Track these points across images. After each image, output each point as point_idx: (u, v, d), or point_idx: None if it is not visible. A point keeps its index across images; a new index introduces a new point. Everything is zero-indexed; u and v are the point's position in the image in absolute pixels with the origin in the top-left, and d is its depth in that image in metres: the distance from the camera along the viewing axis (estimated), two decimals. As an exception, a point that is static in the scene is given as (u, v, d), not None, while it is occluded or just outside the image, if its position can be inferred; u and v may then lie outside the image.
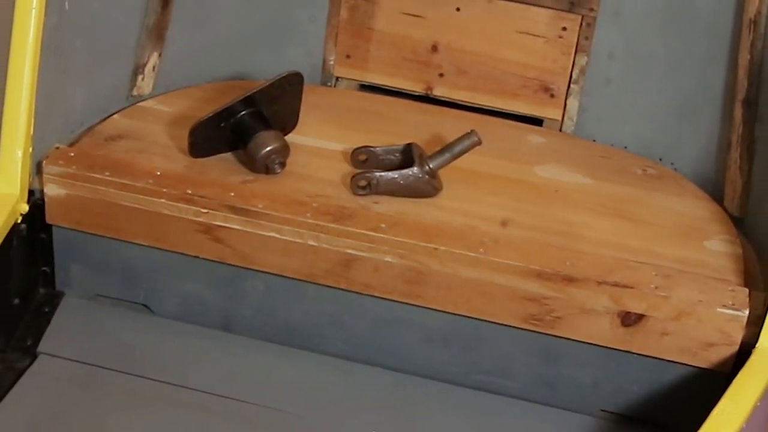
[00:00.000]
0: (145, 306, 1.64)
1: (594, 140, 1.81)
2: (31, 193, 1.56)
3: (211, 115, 1.61)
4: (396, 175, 1.59)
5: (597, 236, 1.56)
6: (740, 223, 1.66)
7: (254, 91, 1.62)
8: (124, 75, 1.77)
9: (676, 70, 1.76)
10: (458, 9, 1.84)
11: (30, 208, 1.56)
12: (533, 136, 1.69)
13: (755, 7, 1.65)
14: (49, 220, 1.60)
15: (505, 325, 1.51)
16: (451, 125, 1.76)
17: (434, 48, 1.87)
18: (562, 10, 1.80)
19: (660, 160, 1.79)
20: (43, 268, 1.64)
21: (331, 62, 1.91)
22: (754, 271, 1.54)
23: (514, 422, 1.53)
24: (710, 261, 1.54)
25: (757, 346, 1.41)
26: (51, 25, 1.54)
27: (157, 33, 1.77)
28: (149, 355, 1.57)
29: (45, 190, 1.57)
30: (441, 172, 1.62)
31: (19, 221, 1.54)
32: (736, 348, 1.45)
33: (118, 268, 1.62)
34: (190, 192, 1.54)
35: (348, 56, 1.90)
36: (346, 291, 1.54)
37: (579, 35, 1.80)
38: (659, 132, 1.79)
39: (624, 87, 1.81)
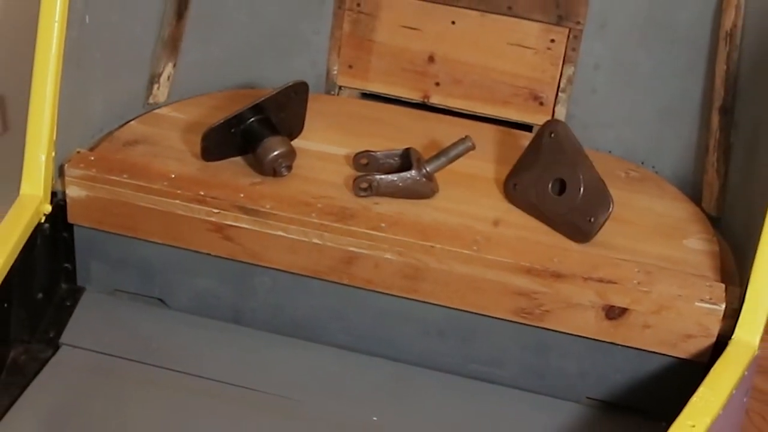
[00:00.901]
0: (161, 300, 1.64)
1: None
2: (53, 194, 1.56)
3: (222, 121, 1.61)
4: (395, 178, 1.59)
5: (583, 235, 1.56)
6: (717, 223, 1.66)
7: (262, 99, 1.62)
8: (141, 84, 1.77)
9: (657, 80, 1.76)
10: (453, 22, 1.84)
11: (53, 208, 1.56)
12: (524, 142, 1.69)
13: (731, 21, 1.65)
14: (70, 219, 1.60)
15: (497, 318, 1.51)
16: (447, 131, 1.76)
17: (431, 59, 1.87)
18: (551, 24, 1.80)
19: (642, 163, 1.79)
20: (65, 265, 1.64)
21: (335, 72, 1.91)
22: (730, 267, 1.54)
23: (506, 409, 1.53)
24: (689, 258, 1.54)
25: (732, 337, 1.41)
26: (72, 38, 1.54)
27: (172, 45, 1.77)
28: (164, 346, 1.57)
29: (67, 192, 1.57)
30: (437, 175, 1.62)
31: (42, 221, 1.55)
32: (713, 340, 1.45)
33: (136, 265, 1.62)
34: (202, 193, 1.54)
35: (350, 66, 1.90)
36: (349, 286, 1.54)
37: (566, 47, 1.80)
38: (641, 137, 1.79)
39: (608, 95, 1.81)
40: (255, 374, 1.53)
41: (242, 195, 1.54)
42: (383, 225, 1.52)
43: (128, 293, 1.65)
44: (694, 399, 1.29)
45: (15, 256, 1.44)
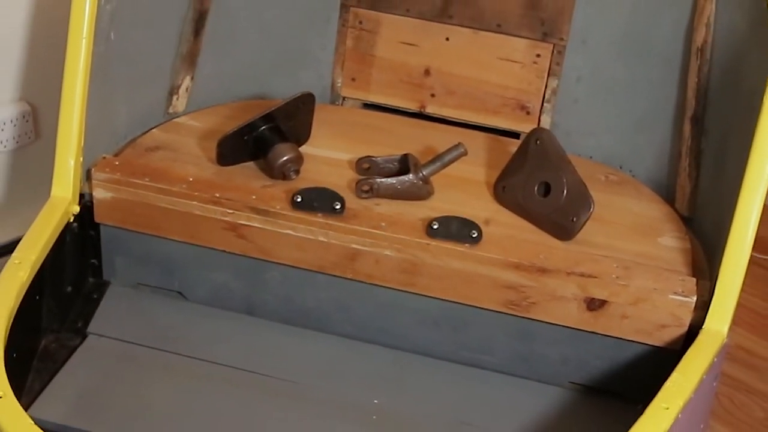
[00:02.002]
0: (180, 293, 1.64)
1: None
2: (81, 196, 1.56)
3: (235, 129, 1.61)
4: (394, 181, 1.59)
5: (566, 233, 1.56)
6: (689, 222, 1.66)
7: (273, 109, 1.63)
8: (161, 95, 1.77)
9: (634, 92, 1.76)
10: (447, 39, 1.84)
11: (81, 209, 1.56)
12: (512, 148, 1.69)
13: (702, 38, 1.65)
14: (97, 219, 1.60)
15: (487, 310, 1.51)
16: (441, 138, 1.76)
17: (427, 72, 1.87)
18: (537, 40, 1.80)
19: (620, 168, 1.79)
20: (92, 261, 1.64)
21: (339, 84, 1.91)
22: (700, 263, 1.54)
23: (495, 392, 1.53)
24: (663, 255, 1.54)
25: (703, 327, 1.41)
26: (98, 53, 1.54)
27: (190, 59, 1.77)
28: (182, 335, 1.57)
29: (93, 194, 1.57)
30: (433, 179, 1.62)
31: (71, 220, 1.55)
32: (685, 329, 1.45)
33: (157, 261, 1.62)
34: (218, 195, 1.54)
35: (353, 79, 1.91)
36: (352, 280, 1.54)
37: (551, 61, 1.80)
38: (620, 144, 1.79)
39: (589, 105, 1.81)
40: (266, 361, 1.53)
41: (254, 197, 1.55)
42: (383, 224, 1.52)
43: (150, 287, 1.65)
44: (668, 383, 1.29)
45: (46, 252, 1.44)
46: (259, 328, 1.60)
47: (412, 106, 1.89)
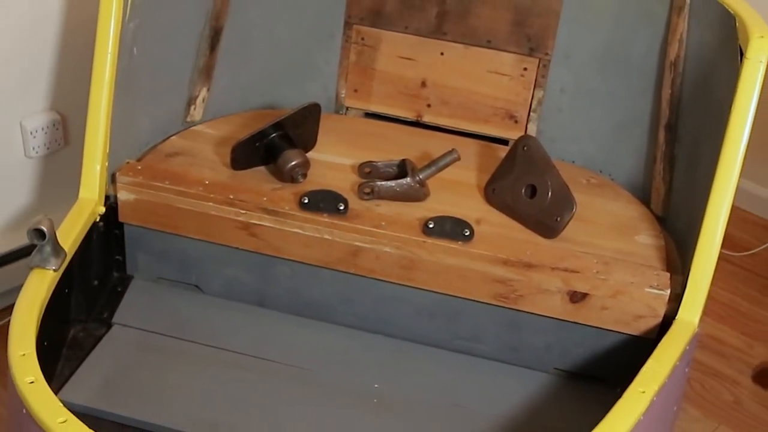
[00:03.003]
0: (197, 287, 1.64)
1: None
2: (107, 198, 1.56)
3: (248, 136, 1.61)
4: (393, 184, 1.59)
5: (551, 232, 1.56)
6: (663, 222, 1.66)
7: (282, 117, 1.63)
8: (180, 105, 1.77)
9: (613, 102, 1.76)
10: (442, 53, 1.84)
11: (106, 209, 1.56)
12: (501, 154, 1.69)
13: (675, 53, 1.65)
14: (121, 219, 1.60)
15: (479, 302, 1.52)
16: (436, 145, 1.76)
17: (423, 84, 1.87)
18: (524, 55, 1.80)
19: (600, 172, 1.79)
20: (117, 257, 1.64)
21: (343, 95, 1.91)
22: (674, 259, 1.54)
23: (486, 377, 1.53)
24: (639, 251, 1.54)
25: (676, 318, 1.41)
26: (122, 67, 1.54)
27: (206, 72, 1.77)
28: (199, 326, 1.57)
29: (118, 196, 1.57)
30: (429, 182, 1.62)
31: (97, 220, 1.55)
32: (659, 319, 1.45)
33: (175, 257, 1.62)
34: (231, 197, 1.54)
35: (356, 90, 1.91)
36: (354, 275, 1.54)
37: (537, 74, 1.80)
38: (600, 150, 1.79)
39: (572, 115, 1.81)
40: (275, 348, 1.53)
41: (265, 198, 1.55)
42: (383, 223, 1.52)
43: (169, 281, 1.65)
44: (644, 369, 1.29)
45: (75, 249, 1.45)
46: (269, 319, 1.60)
47: (410, 116, 1.89)
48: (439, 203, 1.60)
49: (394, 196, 1.59)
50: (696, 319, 1.41)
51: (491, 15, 1.79)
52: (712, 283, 1.42)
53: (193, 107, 1.78)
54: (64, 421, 1.11)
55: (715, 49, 1.57)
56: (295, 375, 1.48)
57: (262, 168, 1.65)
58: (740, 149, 1.39)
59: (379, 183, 1.58)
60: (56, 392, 1.29)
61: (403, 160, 1.65)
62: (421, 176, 1.60)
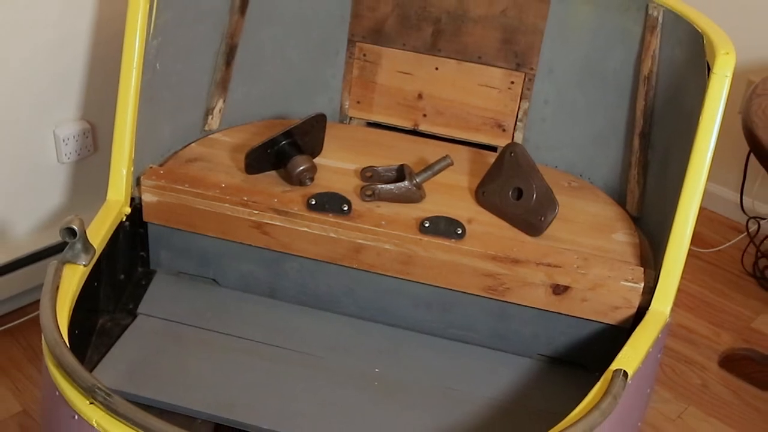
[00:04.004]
0: (214, 280, 1.64)
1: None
2: (132, 199, 1.57)
3: (260, 144, 1.61)
4: (392, 187, 1.59)
5: (536, 230, 1.56)
6: (637, 221, 1.66)
7: (291, 127, 1.63)
8: (199, 115, 1.77)
9: (592, 112, 1.77)
10: (437, 68, 1.84)
11: (132, 210, 1.56)
12: (490, 159, 1.69)
13: (648, 68, 1.65)
14: (145, 218, 1.60)
15: (470, 294, 1.52)
16: (432, 151, 1.76)
17: (419, 96, 1.87)
18: (511, 69, 1.80)
19: (580, 176, 1.79)
20: (141, 253, 1.64)
21: (346, 106, 1.91)
22: (647, 255, 1.54)
23: (477, 363, 1.53)
24: (616, 248, 1.54)
25: (649, 308, 1.42)
26: (146, 80, 1.55)
27: (222, 86, 1.78)
28: (217, 316, 1.57)
29: (142, 197, 1.58)
30: (425, 185, 1.62)
31: (123, 220, 1.55)
32: (634, 310, 1.45)
33: (195, 253, 1.62)
34: (245, 198, 1.54)
35: (358, 102, 1.91)
36: (357, 269, 1.54)
37: (523, 87, 1.80)
38: (580, 156, 1.80)
39: (555, 124, 1.81)
40: (285, 336, 1.53)
41: (276, 200, 1.55)
42: (383, 223, 1.52)
43: (189, 275, 1.65)
44: (620, 355, 1.29)
45: (103, 246, 1.45)
46: (280, 310, 1.60)
47: (408, 125, 1.90)
48: (434, 204, 1.60)
49: (393, 198, 1.59)
50: (667, 310, 1.41)
51: (482, 33, 1.79)
52: (682, 277, 1.43)
53: (210, 117, 1.78)
54: (92, 403, 1.12)
55: (685, 64, 1.57)
56: (303, 360, 1.49)
57: (273, 172, 1.65)
58: (707, 155, 1.39)
59: (379, 186, 1.59)
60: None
61: (402, 165, 1.66)
62: (417, 180, 1.60)
